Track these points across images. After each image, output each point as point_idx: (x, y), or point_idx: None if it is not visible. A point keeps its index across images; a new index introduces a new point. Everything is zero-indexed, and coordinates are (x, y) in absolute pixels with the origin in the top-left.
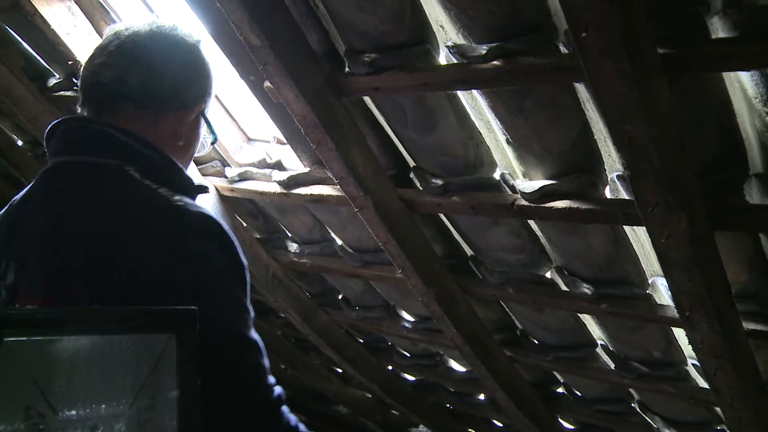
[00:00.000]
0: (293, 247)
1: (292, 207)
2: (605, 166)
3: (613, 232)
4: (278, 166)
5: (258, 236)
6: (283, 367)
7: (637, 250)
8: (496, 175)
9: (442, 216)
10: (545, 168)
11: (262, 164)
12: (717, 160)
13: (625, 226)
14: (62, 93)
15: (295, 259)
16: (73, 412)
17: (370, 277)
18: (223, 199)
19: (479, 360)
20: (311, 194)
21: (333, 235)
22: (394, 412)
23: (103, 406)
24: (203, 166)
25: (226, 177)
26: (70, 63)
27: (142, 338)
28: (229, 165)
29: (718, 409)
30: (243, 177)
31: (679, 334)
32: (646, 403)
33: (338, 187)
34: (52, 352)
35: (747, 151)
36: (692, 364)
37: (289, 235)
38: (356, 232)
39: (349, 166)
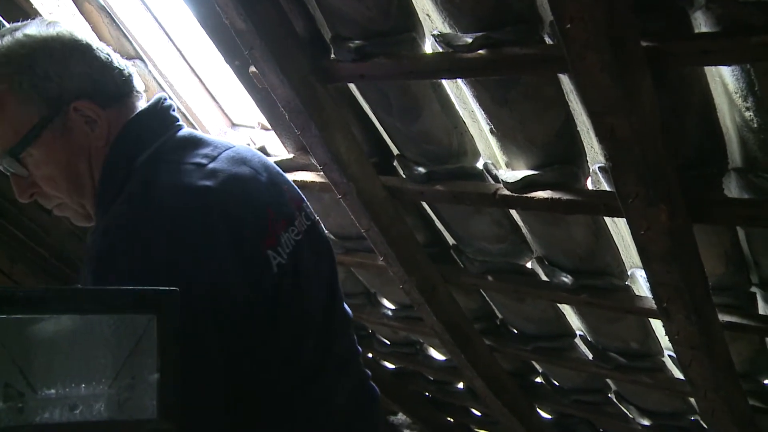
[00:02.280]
0: None
1: None
2: (587, 158)
3: (594, 224)
4: (262, 151)
5: None
6: None
7: (617, 242)
8: (479, 165)
9: (424, 204)
10: (528, 158)
11: None
12: (697, 154)
13: (605, 218)
14: None
15: None
16: (53, 391)
17: (351, 264)
18: None
19: (459, 348)
20: (294, 180)
21: None
22: None
23: (83, 385)
24: None
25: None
26: None
27: (123, 319)
28: None
29: (692, 399)
30: None
31: (657, 325)
32: (622, 393)
33: (322, 173)
34: (32, 330)
35: (726, 145)
36: (668, 356)
37: None
38: (339, 219)
39: (333, 152)
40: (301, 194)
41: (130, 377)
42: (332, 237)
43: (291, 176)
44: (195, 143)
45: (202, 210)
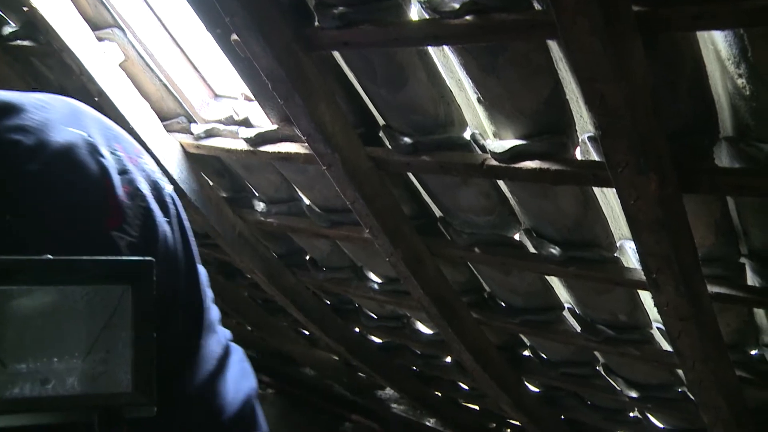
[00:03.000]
0: (260, 206)
1: (259, 165)
2: (577, 127)
3: (582, 194)
4: (245, 123)
5: (224, 195)
6: (249, 328)
7: (606, 213)
8: (467, 135)
9: (410, 176)
10: (516, 128)
11: (229, 121)
12: (688, 122)
13: (595, 189)
14: (18, 42)
15: (262, 219)
16: (23, 365)
17: (337, 238)
18: (188, 156)
19: (446, 322)
20: (278, 152)
21: (300, 194)
22: (360, 374)
23: (55, 359)
24: (168, 122)
25: (192, 134)
26: (25, 9)
27: (97, 290)
28: (195, 121)
29: (680, 371)
30: (209, 134)
31: (645, 297)
32: (610, 365)
33: (306, 144)
34: (2, 302)
35: (718, 113)
36: (657, 328)
37: (256, 194)
38: (324, 192)
39: (317, 122)
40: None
41: (105, 350)
42: (317, 210)
43: (275, 147)
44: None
45: None
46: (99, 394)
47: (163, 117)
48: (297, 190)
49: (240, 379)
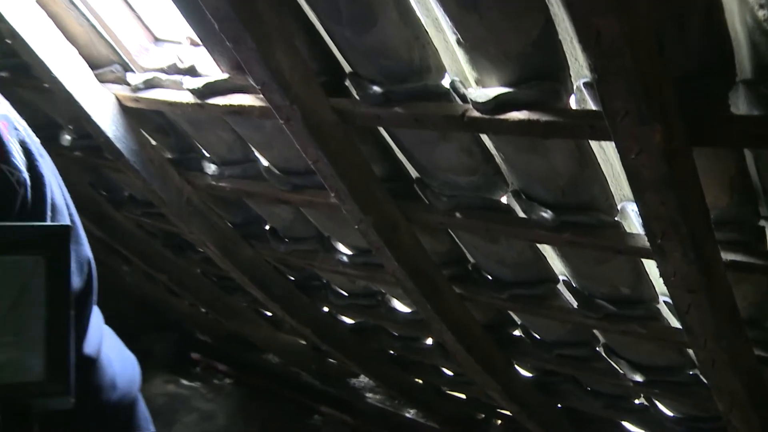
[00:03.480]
0: (211, 168)
1: (208, 121)
2: (570, 72)
3: (578, 150)
4: (191, 71)
5: (170, 156)
6: (203, 310)
7: (605, 172)
8: (445, 83)
9: (382, 131)
10: (501, 74)
11: (173, 69)
12: (699, 63)
13: (592, 143)
14: None
15: (214, 183)
16: None
17: (300, 203)
18: (125, 111)
19: (424, 298)
20: (230, 105)
21: (257, 154)
22: (331, 360)
23: None
24: (100, 71)
25: (129, 84)
26: None
27: (4, 262)
28: (132, 70)
29: (690, 351)
30: (149, 84)
31: (651, 267)
32: (612, 346)
33: (261, 95)
34: None
35: (734, 52)
36: (664, 302)
37: (207, 154)
38: (284, 151)
39: (273, 69)
40: None
41: (13, 334)
42: (277, 172)
43: (226, 100)
44: None
45: None
46: (7, 385)
47: (93, 65)
48: (253, 149)
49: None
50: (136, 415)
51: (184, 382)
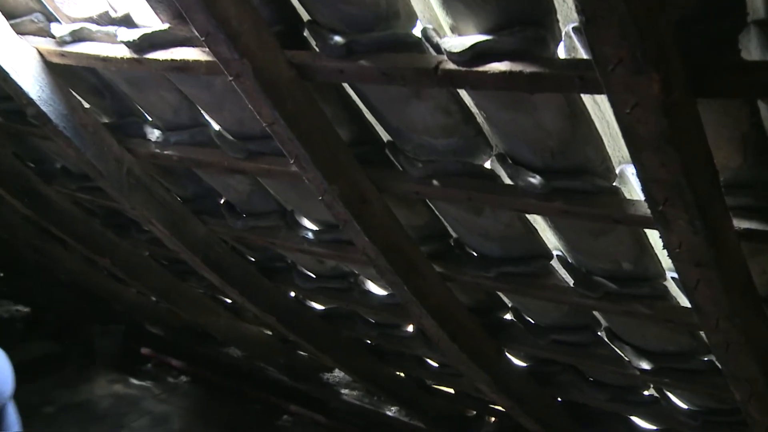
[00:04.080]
0: (154, 134)
1: (149, 79)
2: (557, 16)
3: (568, 105)
4: (126, 21)
5: (106, 121)
6: (153, 299)
7: (600, 130)
8: (416, 31)
9: (347, 87)
10: (479, 19)
11: (104, 19)
12: (703, 2)
13: (585, 98)
14: None
15: (158, 151)
16: None
17: (257, 173)
18: (51, 68)
19: (400, 278)
20: (172, 60)
21: (206, 117)
22: (300, 352)
23: None
24: (19, 20)
25: (54, 37)
26: None
27: None
28: (57, 20)
29: (703, 333)
30: (77, 37)
31: (656, 239)
32: (615, 329)
33: (206, 49)
34: None
35: None
36: (671, 278)
37: (149, 118)
38: (236, 113)
39: (219, 18)
40: None
41: None
42: (229, 137)
43: (167, 54)
44: None
45: None
46: None
47: (9, 14)
48: (202, 111)
49: None
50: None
51: (133, 381)
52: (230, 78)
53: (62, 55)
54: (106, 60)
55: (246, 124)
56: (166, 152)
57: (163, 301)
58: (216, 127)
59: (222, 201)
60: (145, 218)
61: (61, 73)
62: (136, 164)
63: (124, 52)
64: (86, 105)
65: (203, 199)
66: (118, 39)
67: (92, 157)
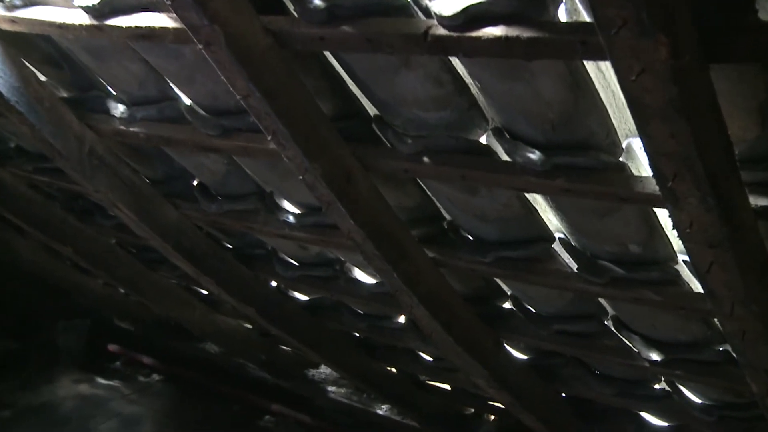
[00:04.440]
0: (119, 109)
1: (111, 48)
2: None
3: (569, 73)
4: None
5: (65, 95)
6: (122, 291)
7: (605, 101)
8: None
9: (329, 56)
10: None
11: None
12: None
13: (588, 65)
14: None
15: (123, 128)
16: None
17: (233, 151)
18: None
19: (390, 265)
20: (136, 26)
21: (176, 90)
22: (283, 347)
23: None
24: None
25: (2, 0)
26: None
27: None
28: None
29: (717, 321)
30: (30, 0)
31: (666, 218)
32: (622, 318)
33: (174, 14)
34: None
35: None
36: (683, 262)
37: (112, 92)
38: (209, 85)
39: None
40: None
41: None
42: (202, 112)
43: (130, 20)
44: None
45: None
46: None
47: None
48: (171, 84)
49: None
50: None
51: (100, 380)
52: (200, 46)
53: (12, 21)
54: (62, 27)
55: (219, 98)
56: (131, 129)
57: (132, 293)
58: (187, 101)
59: (195, 183)
60: (110, 202)
61: (12, 41)
62: (99, 142)
63: (83, 18)
64: (42, 77)
65: (174, 181)
66: (75, 3)
67: (49, 135)
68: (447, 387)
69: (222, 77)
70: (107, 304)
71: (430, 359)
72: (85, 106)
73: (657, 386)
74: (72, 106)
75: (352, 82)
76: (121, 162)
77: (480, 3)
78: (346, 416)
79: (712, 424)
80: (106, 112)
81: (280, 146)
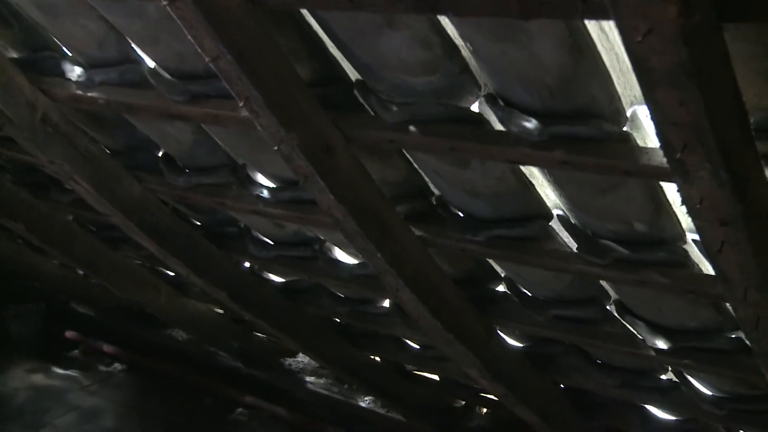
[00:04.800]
0: (75, 72)
1: (66, 4)
2: None
3: (569, 34)
4: None
5: (14, 55)
6: (81, 272)
7: (609, 65)
8: None
9: (306, 14)
10: None
11: None
12: None
13: (589, 25)
14: None
15: (80, 93)
16: None
17: (202, 119)
18: None
19: (373, 244)
20: None
21: (139, 51)
22: (257, 334)
23: None
24: None
25: None
26: None
27: None
28: None
29: (729, 306)
30: None
31: (674, 194)
32: (626, 303)
33: None
34: None
35: None
36: (693, 241)
37: (68, 53)
38: (175, 46)
39: None
40: None
41: None
42: (167, 76)
43: None
44: None
45: None
46: None
47: None
48: (133, 45)
49: None
50: None
51: (57, 370)
52: (165, 3)
53: None
54: None
55: (187, 60)
56: (90, 94)
57: (92, 275)
58: (150, 63)
59: (160, 154)
60: (66, 174)
61: None
62: (54, 109)
63: None
64: None
65: (137, 152)
66: None
67: None
68: (435, 377)
69: (189, 37)
70: (64, 286)
71: (417, 347)
72: (37, 68)
73: (663, 377)
74: (23, 67)
75: (332, 44)
76: (78, 130)
77: None
78: (325, 409)
79: (723, 418)
80: (61, 75)
81: (253, 114)
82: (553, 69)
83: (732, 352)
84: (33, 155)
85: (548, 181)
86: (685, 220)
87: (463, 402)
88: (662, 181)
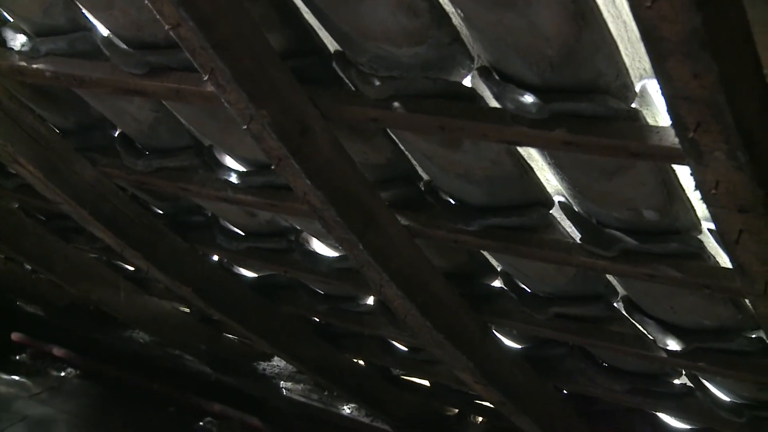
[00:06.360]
0: (18, 41)
1: None
2: None
3: (572, 0)
4: None
5: None
6: (28, 267)
7: (615, 35)
8: None
9: None
10: None
11: None
12: None
13: None
14: None
15: (24, 64)
16: None
17: (162, 95)
18: None
19: (354, 234)
20: None
21: (91, 18)
22: (227, 335)
23: None
24: None
25: None
26: None
27: None
28: None
29: (749, 302)
30: None
31: (688, 178)
32: (635, 299)
33: None
34: None
35: None
36: (708, 230)
37: (9, 18)
38: (132, 12)
39: None
40: None
41: None
42: (122, 46)
43: None
44: None
45: None
46: None
47: None
48: (83, 10)
49: None
50: None
51: (2, 376)
52: None
53: None
54: None
55: (145, 27)
56: (35, 66)
57: (42, 271)
58: (104, 31)
59: (116, 134)
60: (9, 157)
61: None
62: None
63: None
64: None
65: (90, 132)
66: None
67: None
68: (425, 383)
69: (146, 1)
70: (10, 284)
71: (405, 349)
72: None
73: (676, 381)
74: None
75: (307, 10)
76: (23, 107)
77: None
78: (303, 419)
79: (743, 427)
80: (2, 44)
81: (220, 88)
82: (553, 39)
83: (752, 353)
84: None
85: (548, 164)
86: (700, 207)
87: (456, 410)
88: (674, 163)
